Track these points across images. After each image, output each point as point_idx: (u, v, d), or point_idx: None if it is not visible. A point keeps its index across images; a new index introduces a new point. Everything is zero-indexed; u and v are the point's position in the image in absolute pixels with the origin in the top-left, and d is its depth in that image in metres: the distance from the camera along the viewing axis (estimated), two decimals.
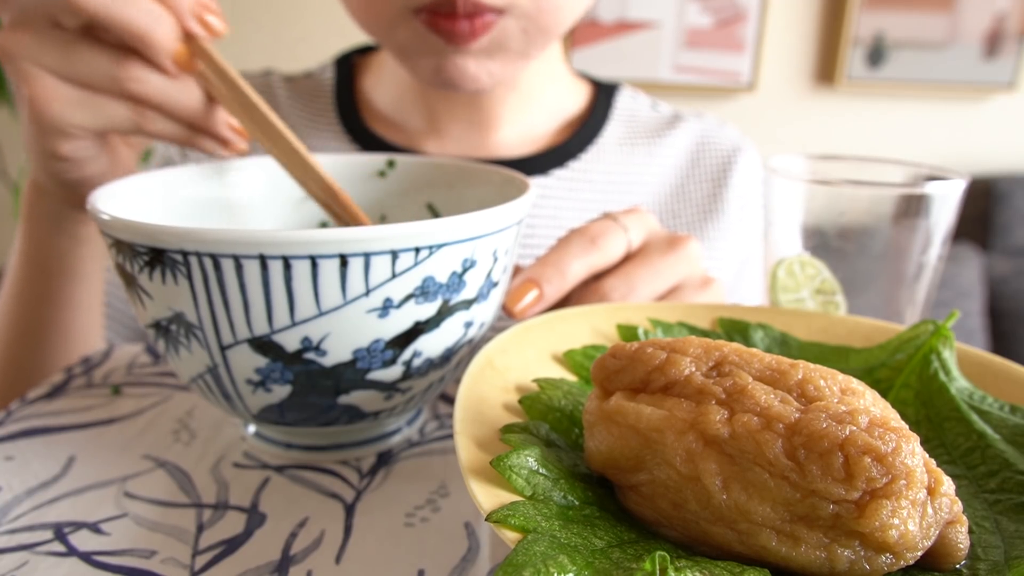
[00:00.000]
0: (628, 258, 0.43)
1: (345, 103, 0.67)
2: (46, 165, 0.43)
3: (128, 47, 0.38)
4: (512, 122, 0.65)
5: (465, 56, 0.52)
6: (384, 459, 0.38)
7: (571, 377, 0.33)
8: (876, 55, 1.84)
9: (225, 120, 0.41)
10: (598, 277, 0.42)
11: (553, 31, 0.54)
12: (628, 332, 0.36)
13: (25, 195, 0.50)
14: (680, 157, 0.70)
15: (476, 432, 0.26)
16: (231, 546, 0.31)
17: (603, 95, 0.70)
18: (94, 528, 0.32)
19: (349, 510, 0.33)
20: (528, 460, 0.24)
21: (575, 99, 0.69)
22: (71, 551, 0.30)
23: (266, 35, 1.80)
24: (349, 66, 0.70)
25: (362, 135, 0.65)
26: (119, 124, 0.40)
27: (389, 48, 0.55)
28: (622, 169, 0.67)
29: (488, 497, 0.22)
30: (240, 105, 0.40)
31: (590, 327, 0.36)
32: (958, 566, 0.22)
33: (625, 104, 0.71)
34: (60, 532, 0.31)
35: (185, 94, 0.39)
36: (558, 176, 0.65)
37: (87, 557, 0.30)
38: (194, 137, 0.41)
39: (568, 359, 0.33)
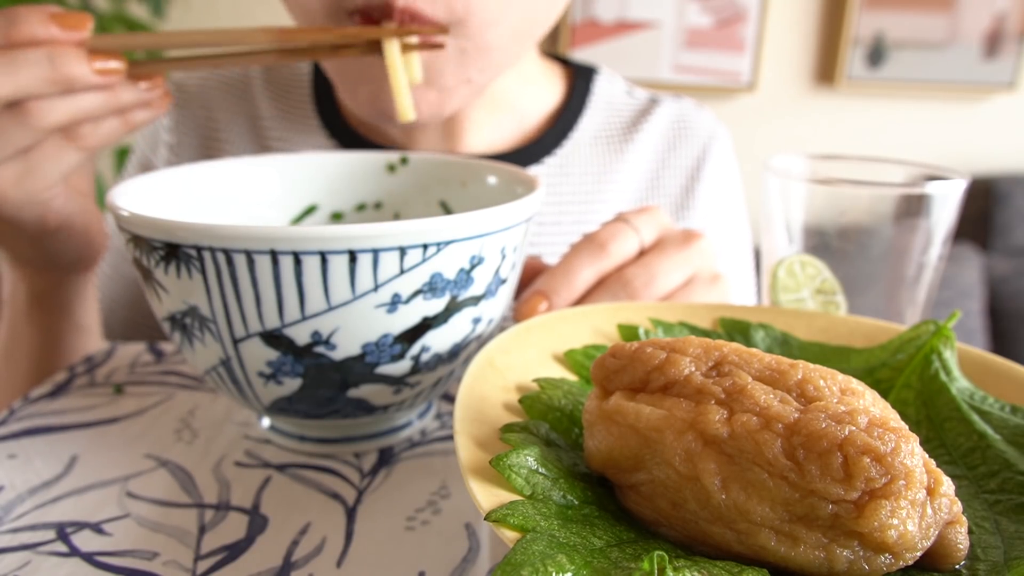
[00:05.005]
0: (645, 252, 0.43)
1: (323, 97, 0.65)
2: (29, 247, 0.46)
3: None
4: (483, 129, 0.63)
5: None
6: (385, 458, 0.38)
7: (571, 377, 0.33)
8: (876, 55, 1.84)
9: (137, 87, 0.41)
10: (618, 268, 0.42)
11: (497, 50, 0.49)
12: (629, 332, 0.36)
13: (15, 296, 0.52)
14: (656, 143, 0.68)
15: (476, 431, 0.26)
16: (233, 552, 0.31)
17: (580, 82, 0.69)
18: (96, 528, 0.32)
19: (350, 513, 0.33)
20: (527, 459, 0.24)
21: (550, 96, 0.67)
22: (73, 551, 0.30)
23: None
24: None
25: (342, 133, 0.63)
26: (68, 164, 0.41)
27: (326, 67, 0.52)
28: (599, 160, 0.66)
29: (487, 496, 0.22)
30: (149, 60, 0.41)
31: (591, 327, 0.36)
32: (958, 567, 0.22)
33: (602, 89, 0.69)
34: (63, 532, 0.31)
35: (94, 94, 0.39)
36: (535, 172, 0.64)
37: (89, 558, 0.30)
38: (127, 119, 0.41)
39: (568, 359, 0.33)
